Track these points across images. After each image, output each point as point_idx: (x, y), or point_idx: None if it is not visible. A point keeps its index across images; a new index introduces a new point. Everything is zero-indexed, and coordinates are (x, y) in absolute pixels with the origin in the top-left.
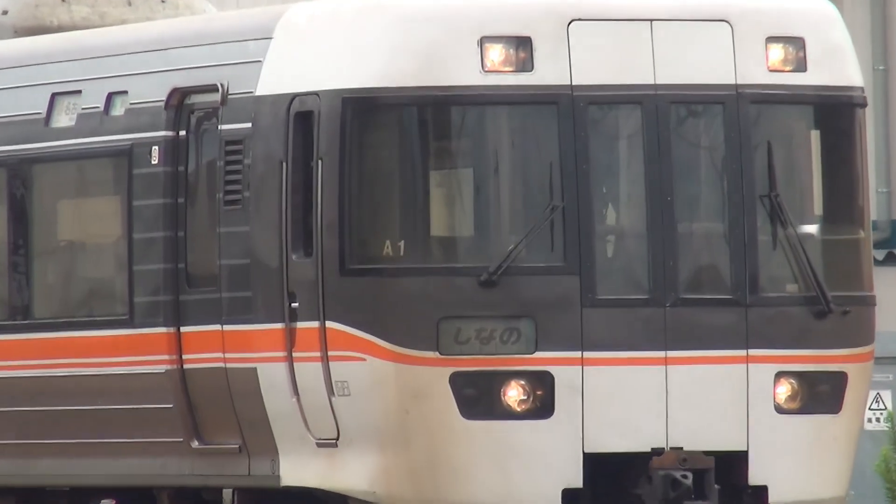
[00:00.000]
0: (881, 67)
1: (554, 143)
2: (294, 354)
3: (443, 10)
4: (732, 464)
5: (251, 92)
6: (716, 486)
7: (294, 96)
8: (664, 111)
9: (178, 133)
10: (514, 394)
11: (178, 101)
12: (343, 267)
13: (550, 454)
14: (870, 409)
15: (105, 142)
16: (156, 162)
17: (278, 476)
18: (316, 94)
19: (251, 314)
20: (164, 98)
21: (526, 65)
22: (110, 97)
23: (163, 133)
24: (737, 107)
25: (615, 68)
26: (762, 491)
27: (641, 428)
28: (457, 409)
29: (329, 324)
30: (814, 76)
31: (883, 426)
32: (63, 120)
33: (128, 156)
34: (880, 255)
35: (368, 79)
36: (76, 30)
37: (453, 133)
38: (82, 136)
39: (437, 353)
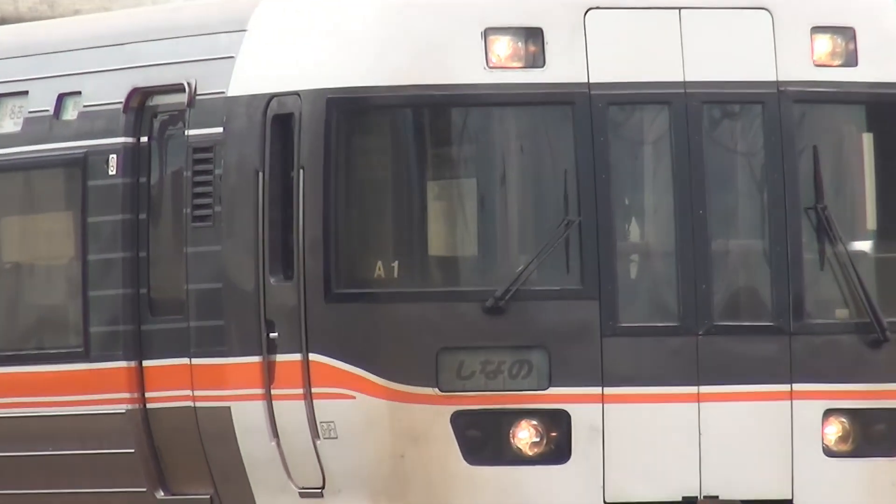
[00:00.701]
0: None
1: (569, 150)
2: (273, 392)
3: None
4: None
5: (222, 92)
6: None
7: (271, 97)
8: (695, 112)
9: (138, 139)
10: (524, 435)
11: (139, 102)
12: (328, 292)
13: None
14: None
15: (55, 150)
16: (113, 172)
17: None
18: (296, 93)
19: (224, 346)
20: (122, 100)
21: (536, 60)
22: (61, 99)
23: (121, 139)
24: (778, 107)
25: (639, 64)
26: None
27: (671, 474)
28: (459, 454)
29: (313, 356)
30: (866, 71)
31: None
32: (7, 125)
33: (82, 166)
34: None
35: (356, 76)
36: (22, 22)
37: (454, 138)
38: (29, 143)
39: (436, 390)
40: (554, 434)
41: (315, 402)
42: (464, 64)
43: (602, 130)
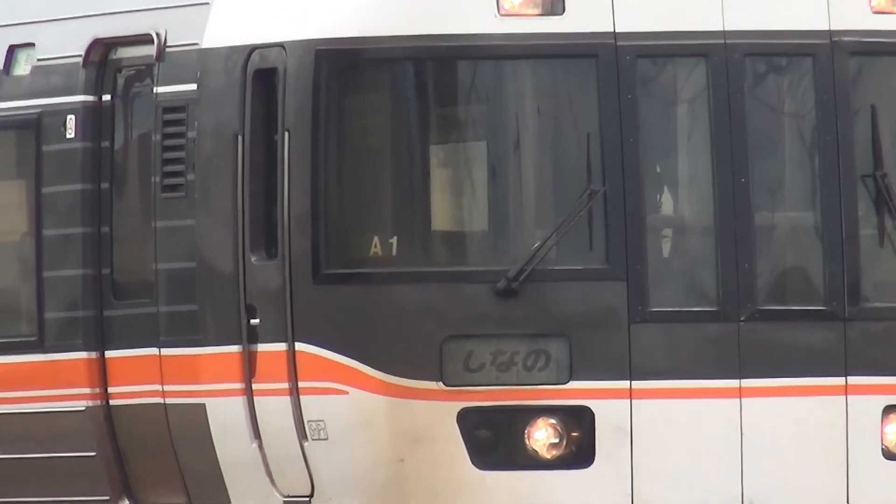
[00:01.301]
0: None
1: (593, 109)
2: (254, 386)
3: None
4: None
5: (196, 44)
6: None
7: (252, 49)
8: (736, 66)
9: (100, 98)
10: (542, 436)
11: (101, 56)
12: (317, 272)
13: None
14: None
15: (5, 110)
16: (72, 136)
17: None
18: (281, 45)
19: (198, 334)
20: (82, 52)
21: (555, 6)
22: (12, 51)
23: (81, 98)
24: (831, 60)
25: (671, 10)
26: None
27: (708, 480)
28: (468, 457)
29: (300, 346)
30: None
31: None
32: None
33: (35, 128)
34: None
35: (350, 26)
36: None
37: (461, 96)
38: None
39: (441, 384)
40: (575, 434)
41: (302, 398)
42: (472, 11)
43: (630, 87)
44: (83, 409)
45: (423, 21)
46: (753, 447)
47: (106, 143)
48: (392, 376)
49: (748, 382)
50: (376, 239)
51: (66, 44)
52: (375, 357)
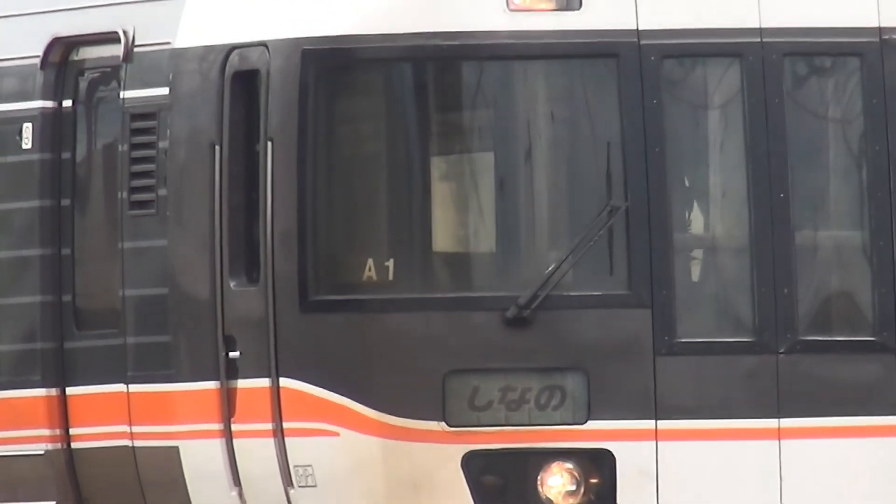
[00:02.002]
0: None
1: (613, 115)
2: (234, 427)
3: None
4: None
5: (168, 43)
6: None
7: (231, 49)
8: (774, 67)
9: (60, 104)
10: (557, 482)
11: (61, 56)
12: (304, 299)
13: None
14: None
15: None
16: (28, 146)
17: None
18: (263, 44)
19: (170, 369)
20: (39, 53)
21: (571, 1)
22: None
23: (38, 104)
24: (881, 60)
25: (701, 5)
26: None
27: None
28: None
29: (285, 382)
30: None
31: None
32: None
33: None
34: None
35: (341, 22)
36: None
37: (466, 101)
38: None
39: (443, 425)
40: (594, 480)
41: (287, 440)
42: (478, 6)
43: (655, 91)
44: (42, 452)
45: (423, 17)
46: (793, 493)
47: (67, 154)
48: (388, 416)
49: (788, 422)
50: (370, 261)
51: (21, 43)
52: (370, 394)
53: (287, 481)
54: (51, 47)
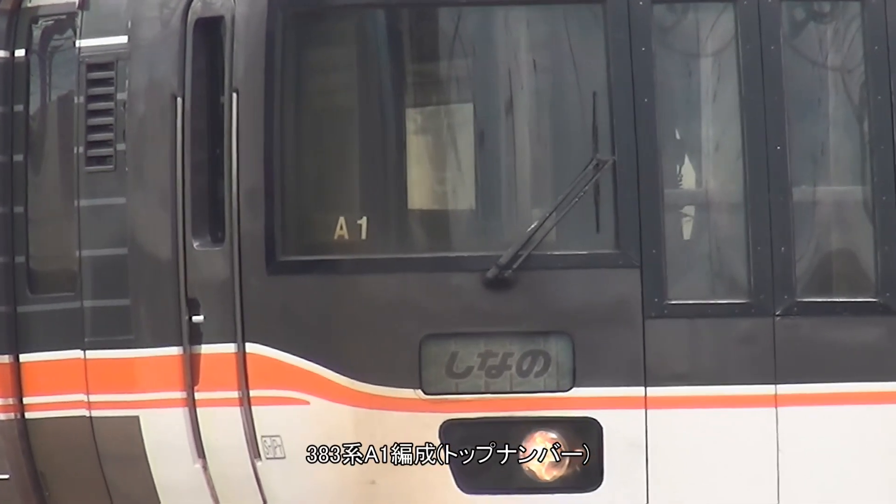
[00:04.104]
0: None
1: (599, 64)
2: (197, 396)
3: None
4: None
5: None
6: None
7: None
8: (771, 12)
9: (12, 53)
10: (540, 453)
11: (13, 3)
12: (272, 259)
13: None
14: None
15: None
16: None
17: None
18: None
19: (130, 334)
20: None
21: None
22: None
23: None
24: (883, 4)
25: None
26: None
27: (739, 503)
28: (452, 479)
29: (251, 348)
30: None
31: None
32: None
33: None
34: None
35: None
36: None
37: (443, 50)
38: None
39: (420, 392)
40: (579, 451)
41: (254, 409)
42: None
43: (644, 38)
44: None
45: None
46: (791, 464)
47: (19, 107)
48: (361, 383)
49: (785, 389)
50: (342, 220)
51: None
52: (341, 360)
53: (254, 453)
54: None
